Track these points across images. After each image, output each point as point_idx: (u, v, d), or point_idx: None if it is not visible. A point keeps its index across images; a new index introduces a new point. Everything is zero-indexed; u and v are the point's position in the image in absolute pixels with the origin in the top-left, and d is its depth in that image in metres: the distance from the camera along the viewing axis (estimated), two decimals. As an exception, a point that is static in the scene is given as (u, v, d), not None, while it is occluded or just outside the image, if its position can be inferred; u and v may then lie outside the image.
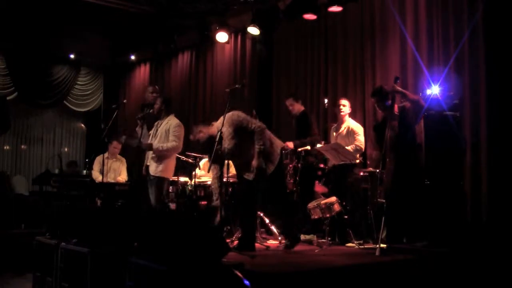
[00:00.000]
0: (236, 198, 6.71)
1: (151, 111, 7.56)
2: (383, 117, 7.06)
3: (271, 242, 7.29)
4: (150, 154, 7.37)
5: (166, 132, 7.34)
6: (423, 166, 6.53)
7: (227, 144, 6.32)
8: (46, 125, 15.23)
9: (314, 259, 5.81)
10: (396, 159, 6.51)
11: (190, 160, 8.46)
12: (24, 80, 13.67)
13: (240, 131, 6.32)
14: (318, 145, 7.80)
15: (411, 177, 6.50)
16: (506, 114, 6.72)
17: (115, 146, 9.63)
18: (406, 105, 6.67)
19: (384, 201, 6.59)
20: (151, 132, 7.54)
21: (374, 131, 7.50)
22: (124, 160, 9.82)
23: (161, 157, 7.28)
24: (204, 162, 9.02)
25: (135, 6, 11.15)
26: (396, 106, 6.68)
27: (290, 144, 7.75)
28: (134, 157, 8.11)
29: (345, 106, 7.79)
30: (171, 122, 7.41)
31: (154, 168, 7.27)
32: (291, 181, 7.96)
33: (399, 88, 6.65)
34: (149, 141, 7.39)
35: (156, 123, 7.60)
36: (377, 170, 6.99)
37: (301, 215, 7.49)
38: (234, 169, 8.38)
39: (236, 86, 6.76)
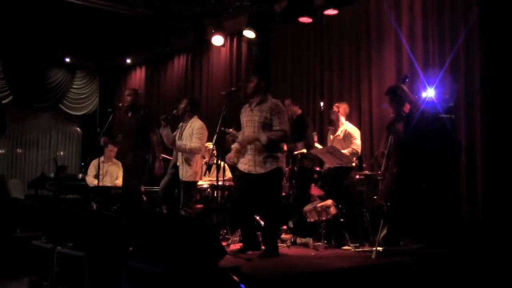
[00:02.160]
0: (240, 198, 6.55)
1: (174, 111, 7.55)
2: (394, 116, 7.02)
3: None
4: (179, 157, 7.39)
5: (190, 135, 7.36)
6: (422, 169, 6.53)
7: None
8: (42, 128, 15.23)
9: (311, 262, 5.81)
10: (398, 162, 6.50)
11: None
12: (20, 84, 13.68)
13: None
14: (316, 145, 7.82)
15: (413, 180, 6.49)
16: (501, 116, 6.73)
17: (111, 149, 9.59)
18: (410, 107, 6.65)
19: (383, 203, 6.60)
20: (175, 133, 7.54)
21: (386, 130, 7.47)
22: (120, 163, 9.79)
23: (189, 160, 7.27)
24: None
25: (131, 9, 11.14)
26: (407, 107, 6.60)
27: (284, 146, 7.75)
28: (131, 161, 8.10)
29: (337, 109, 7.80)
30: (194, 124, 7.42)
31: (184, 173, 7.27)
32: (287, 184, 7.98)
33: (405, 88, 6.60)
34: None
35: (180, 124, 7.63)
36: (378, 172, 6.98)
37: (297, 218, 7.50)
38: (229, 172, 8.42)
39: (232, 89, 6.77)
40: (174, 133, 7.52)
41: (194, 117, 7.53)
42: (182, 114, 7.54)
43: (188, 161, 7.29)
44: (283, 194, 8.00)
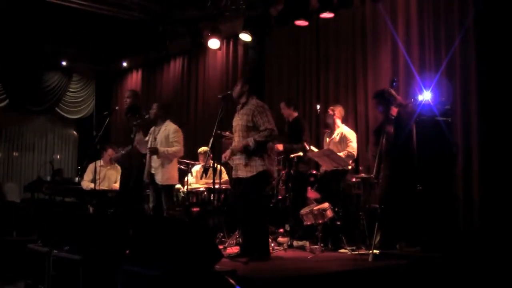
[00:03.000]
0: (235, 203, 6.51)
1: (147, 116, 7.55)
2: (382, 121, 7.04)
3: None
4: (154, 162, 7.36)
5: (166, 138, 7.36)
6: (416, 172, 6.54)
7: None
8: (38, 132, 15.18)
9: (307, 265, 5.80)
10: (391, 165, 6.51)
11: (182, 167, 8.46)
12: (16, 87, 13.62)
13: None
14: (312, 148, 7.82)
15: (405, 183, 6.50)
16: (497, 119, 6.75)
17: (110, 154, 9.54)
18: (398, 110, 6.67)
19: (377, 206, 6.60)
20: (148, 138, 7.52)
21: (373, 135, 7.48)
22: (118, 167, 9.73)
23: (165, 164, 7.28)
24: (196, 169, 9.03)
25: (127, 13, 11.14)
26: (394, 110, 6.64)
27: (280, 146, 7.75)
28: (127, 164, 8.08)
29: (332, 112, 7.81)
30: (169, 128, 7.44)
31: (160, 177, 7.27)
32: (283, 187, 7.99)
33: (393, 92, 6.63)
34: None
35: (152, 129, 7.60)
36: (372, 176, 6.99)
37: (293, 221, 7.49)
38: (226, 175, 8.42)
39: (228, 92, 6.75)
40: (146, 138, 7.52)
41: (168, 121, 7.55)
42: (154, 118, 7.53)
43: (165, 165, 7.30)
44: (280, 197, 8.02)
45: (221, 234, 7.63)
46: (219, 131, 6.71)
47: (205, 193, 8.23)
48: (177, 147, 7.33)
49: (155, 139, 7.45)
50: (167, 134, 7.37)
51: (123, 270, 4.52)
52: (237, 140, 6.24)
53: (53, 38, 12.57)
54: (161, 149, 7.27)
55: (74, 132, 15.78)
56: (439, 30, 7.58)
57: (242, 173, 6.13)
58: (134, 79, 14.31)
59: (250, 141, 6.03)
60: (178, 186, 8.45)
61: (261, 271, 5.31)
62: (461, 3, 7.32)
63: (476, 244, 6.42)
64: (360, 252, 6.65)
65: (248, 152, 6.06)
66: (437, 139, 6.59)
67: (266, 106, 6.28)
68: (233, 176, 6.41)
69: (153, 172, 7.35)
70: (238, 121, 6.28)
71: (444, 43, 7.48)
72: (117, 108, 8.04)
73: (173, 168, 7.44)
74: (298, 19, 9.12)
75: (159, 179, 7.27)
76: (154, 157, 7.32)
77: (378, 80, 8.32)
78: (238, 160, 6.19)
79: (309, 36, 9.75)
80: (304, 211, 7.07)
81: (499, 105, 6.76)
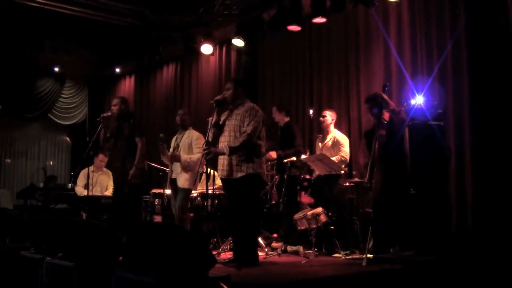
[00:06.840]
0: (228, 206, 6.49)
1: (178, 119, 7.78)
2: (374, 124, 7.05)
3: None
4: (176, 168, 7.49)
5: (189, 145, 7.51)
6: (409, 176, 6.56)
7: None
8: (31, 138, 15.16)
9: (301, 270, 5.80)
10: (383, 169, 6.52)
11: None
12: (8, 93, 13.58)
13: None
14: (303, 156, 7.81)
15: (398, 187, 6.51)
16: (489, 122, 6.77)
17: (101, 159, 9.51)
18: (391, 116, 6.69)
19: (371, 210, 6.60)
20: (172, 145, 7.70)
21: (365, 138, 7.48)
22: (110, 173, 9.69)
23: (187, 169, 7.40)
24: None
25: (120, 19, 11.14)
26: (387, 115, 6.66)
27: (273, 154, 7.78)
28: (120, 169, 8.04)
29: (325, 117, 7.82)
30: (191, 135, 7.58)
31: (183, 181, 7.39)
32: (275, 191, 8.00)
33: (385, 97, 6.65)
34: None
35: (174, 137, 7.77)
36: (365, 180, 6.99)
37: (287, 226, 7.49)
38: (220, 180, 8.39)
39: (221, 97, 6.74)
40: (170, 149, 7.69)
41: (190, 128, 7.71)
42: (179, 124, 7.69)
43: (187, 170, 7.42)
44: (273, 202, 8.01)
45: (215, 240, 7.62)
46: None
47: (198, 198, 8.22)
48: (199, 155, 7.30)
49: (177, 145, 7.58)
50: (190, 141, 7.51)
51: (117, 276, 4.50)
52: (224, 140, 6.20)
53: (45, 44, 12.54)
54: (184, 156, 7.40)
55: (67, 138, 15.76)
56: (431, 34, 7.60)
57: (232, 173, 6.10)
58: (127, 85, 14.30)
59: (225, 149, 6.05)
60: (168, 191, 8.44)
61: (255, 276, 5.30)
62: (452, 8, 7.36)
63: (470, 247, 6.43)
64: (354, 257, 6.66)
65: (238, 154, 6.05)
66: (429, 142, 6.61)
67: (260, 112, 6.27)
68: (219, 176, 6.42)
69: (173, 177, 7.49)
70: (231, 120, 6.26)
71: (436, 48, 7.51)
72: (104, 115, 7.83)
73: (193, 174, 7.44)
74: (291, 24, 9.12)
75: (180, 182, 7.42)
76: (177, 164, 7.45)
77: (371, 84, 8.34)
78: (226, 160, 6.15)
79: (302, 41, 9.77)
80: (297, 216, 7.07)
81: (491, 108, 6.78)
